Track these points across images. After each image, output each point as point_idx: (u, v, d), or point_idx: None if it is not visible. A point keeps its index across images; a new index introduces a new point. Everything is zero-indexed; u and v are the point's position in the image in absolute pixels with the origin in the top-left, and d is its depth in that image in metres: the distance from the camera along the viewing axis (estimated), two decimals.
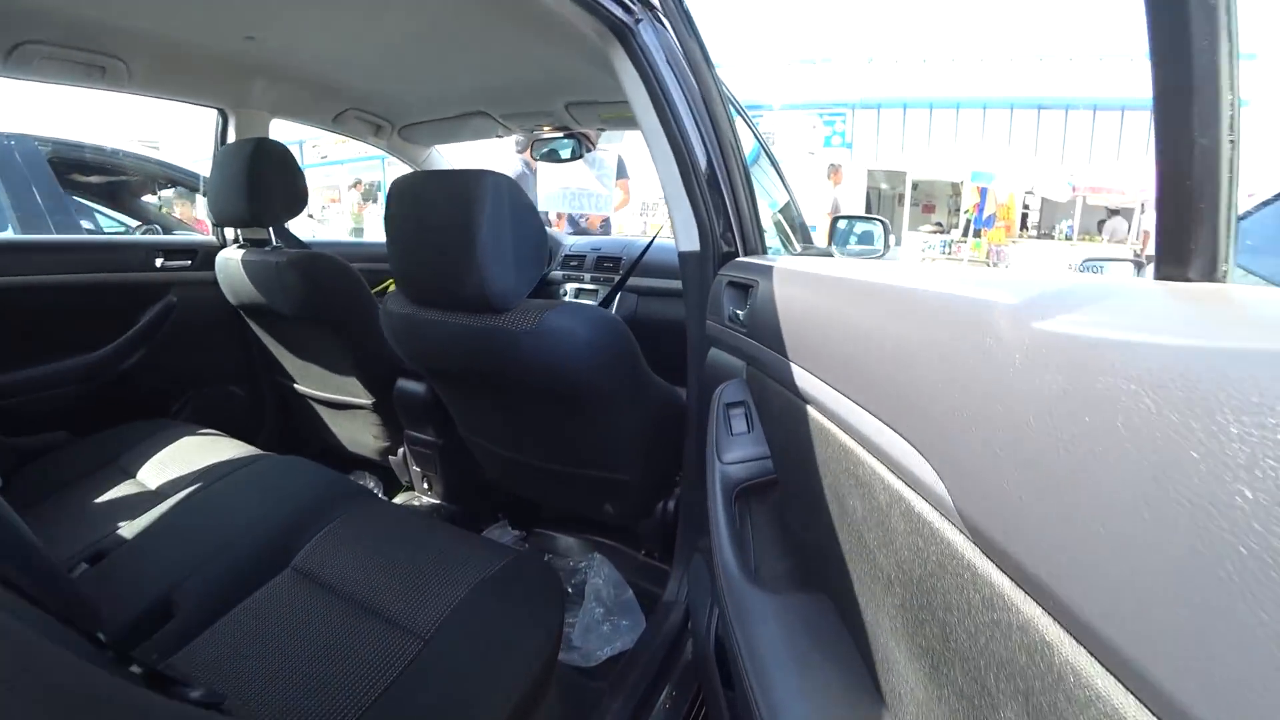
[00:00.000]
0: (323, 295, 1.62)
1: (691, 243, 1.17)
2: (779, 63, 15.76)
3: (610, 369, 1.16)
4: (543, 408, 1.28)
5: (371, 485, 2.13)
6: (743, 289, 1.00)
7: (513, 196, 1.08)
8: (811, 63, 15.79)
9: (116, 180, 3.71)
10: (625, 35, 1.12)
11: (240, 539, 1.25)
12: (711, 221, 1.14)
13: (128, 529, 1.31)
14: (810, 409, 0.67)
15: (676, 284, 2.07)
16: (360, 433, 1.97)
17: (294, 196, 1.70)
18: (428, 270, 1.15)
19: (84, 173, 3.56)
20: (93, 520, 1.38)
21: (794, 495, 0.79)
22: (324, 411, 2.02)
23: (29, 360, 1.79)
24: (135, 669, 0.81)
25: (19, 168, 3.01)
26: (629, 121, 2.15)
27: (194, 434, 1.73)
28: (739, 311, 0.99)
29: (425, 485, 1.88)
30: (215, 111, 2.06)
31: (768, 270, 0.86)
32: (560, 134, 2.31)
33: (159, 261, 1.99)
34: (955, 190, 13.35)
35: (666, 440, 1.41)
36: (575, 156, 2.36)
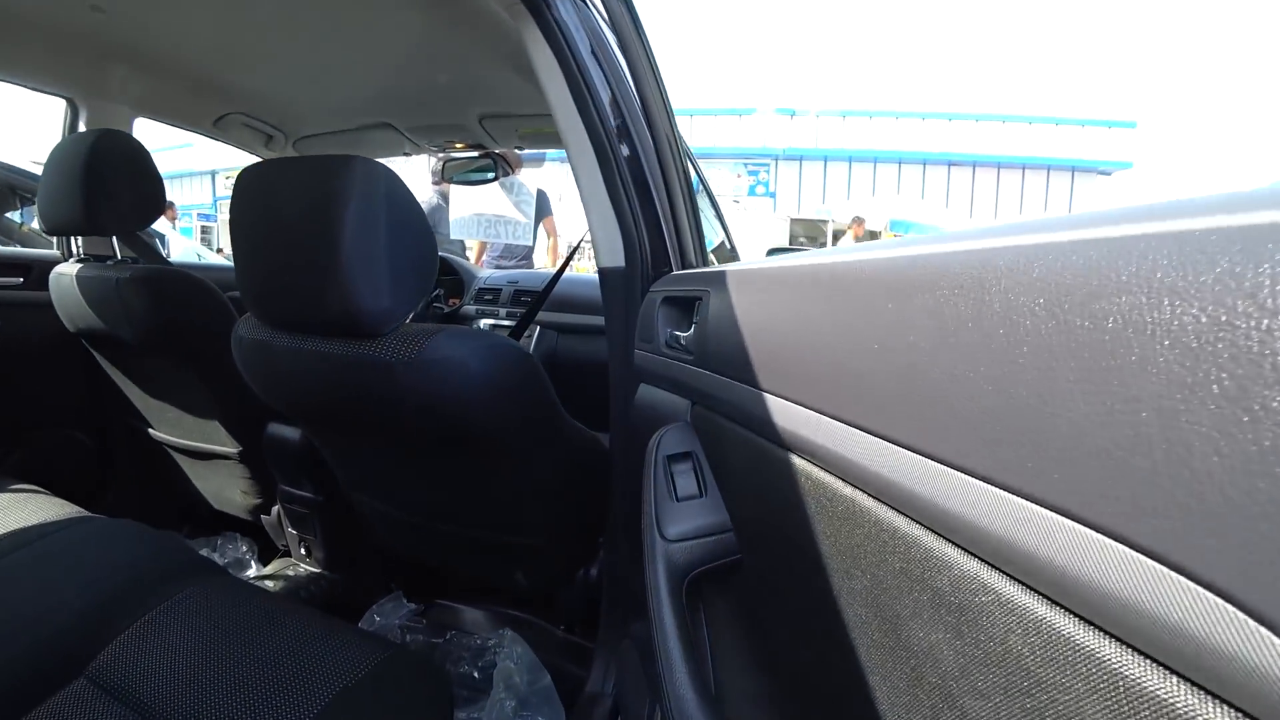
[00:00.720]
0: (172, 320, 1.33)
1: (615, 258, 0.97)
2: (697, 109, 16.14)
3: (511, 411, 0.93)
4: (430, 459, 1.03)
5: (244, 550, 1.80)
6: (685, 305, 0.80)
7: (391, 191, 0.86)
8: (735, 113, 16.23)
9: None
10: (538, 6, 0.93)
11: (20, 636, 0.94)
12: (640, 230, 0.94)
13: None
14: (799, 462, 0.46)
15: (602, 319, 1.88)
16: (227, 488, 1.65)
17: (145, 200, 1.41)
18: (281, 284, 0.90)
19: None
20: None
21: (773, 590, 0.57)
22: (184, 462, 1.69)
23: None
24: None
25: None
26: (551, 139, 1.96)
27: (5, 490, 1.39)
28: (680, 335, 0.78)
29: (303, 551, 1.57)
30: (64, 103, 1.74)
31: (720, 277, 0.65)
32: (475, 153, 2.10)
33: None
34: (874, 238, 13.82)
35: (586, 497, 1.18)
36: (491, 179, 2.14)
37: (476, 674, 1.41)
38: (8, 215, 3.51)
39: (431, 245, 0.93)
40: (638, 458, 0.90)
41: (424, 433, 0.92)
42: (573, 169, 0.99)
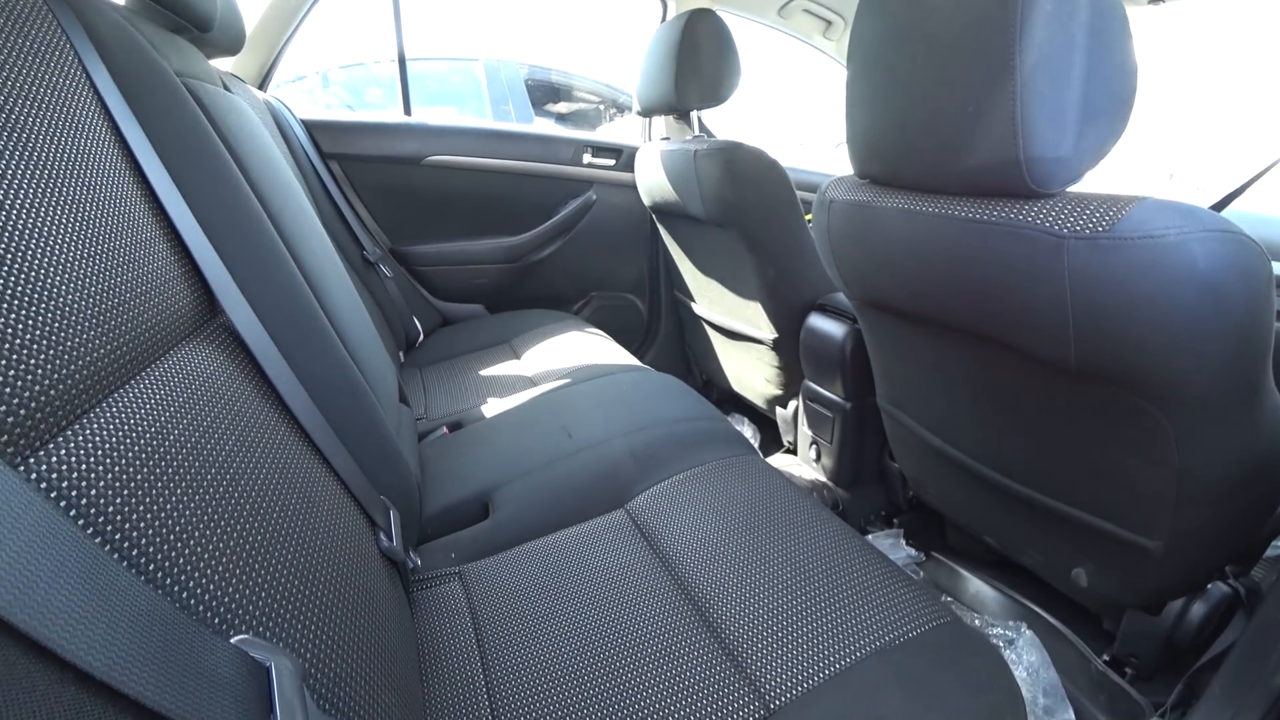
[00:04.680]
0: (740, 193, 1.31)
1: None
2: None
3: (1220, 345, 0.60)
4: (1040, 392, 0.75)
5: (749, 436, 1.83)
6: None
7: None
8: None
9: (579, 108, 4.01)
10: None
11: (582, 454, 1.04)
12: None
13: (491, 407, 1.27)
14: None
15: None
16: (750, 373, 1.66)
17: (721, 76, 1.43)
18: (910, 125, 0.70)
19: (553, 98, 3.92)
20: (469, 389, 1.40)
21: None
22: (717, 340, 1.77)
23: (463, 235, 1.89)
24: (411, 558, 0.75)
25: (501, 86, 3.38)
26: None
27: (583, 331, 1.66)
28: None
29: (814, 455, 1.48)
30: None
31: None
32: None
33: (586, 158, 1.92)
34: None
35: (1247, 504, 0.78)
36: None
37: None
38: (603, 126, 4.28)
39: (1135, 74, 0.62)
40: None
41: (1070, 350, 0.65)
42: None
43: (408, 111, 1.89)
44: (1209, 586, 0.89)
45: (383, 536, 0.67)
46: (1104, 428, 0.74)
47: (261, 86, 1.64)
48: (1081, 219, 0.59)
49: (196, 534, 0.38)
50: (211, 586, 0.37)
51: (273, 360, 0.59)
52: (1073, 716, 1.01)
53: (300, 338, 0.66)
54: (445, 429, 1.23)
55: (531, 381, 1.39)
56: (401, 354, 1.65)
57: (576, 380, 1.30)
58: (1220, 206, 0.81)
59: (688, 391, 1.24)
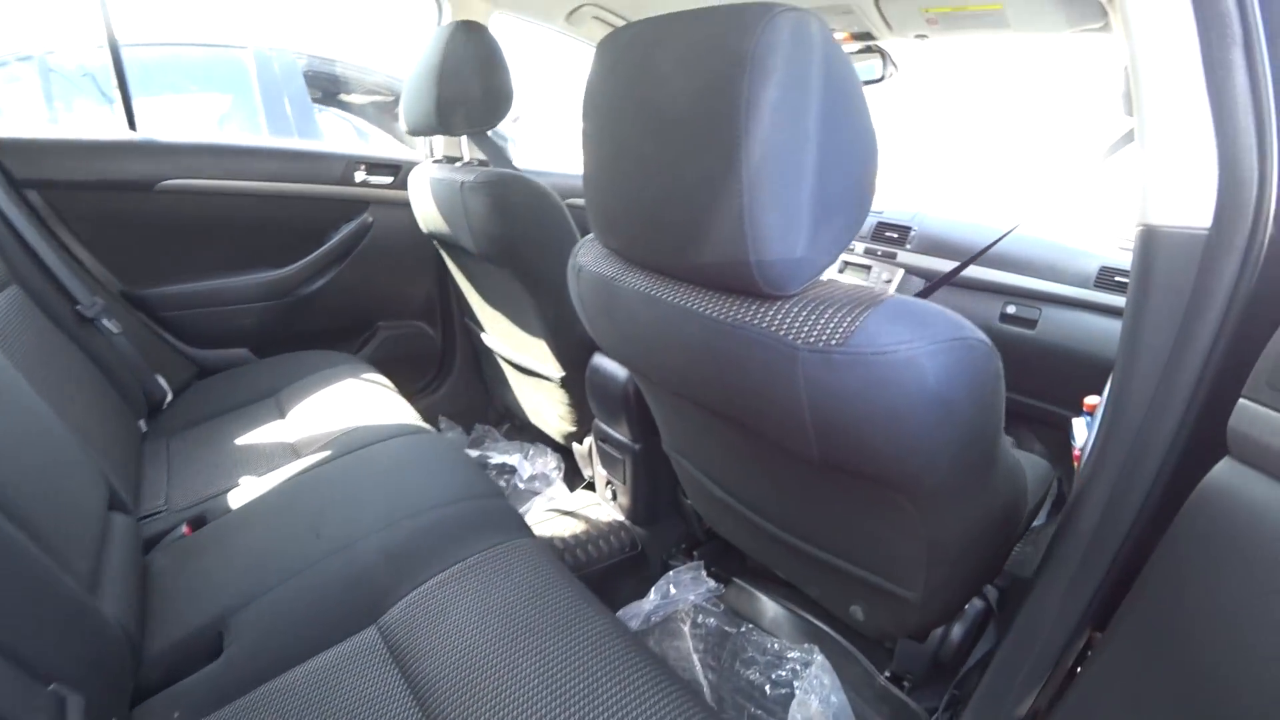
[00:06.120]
0: (510, 230, 1.22)
1: (1186, 211, 0.56)
2: None
3: (952, 446, 0.60)
4: (805, 472, 0.74)
5: (553, 467, 1.76)
6: None
7: (830, 63, 0.54)
8: None
9: (376, 100, 3.69)
10: None
11: (330, 560, 0.91)
12: (1267, 156, 0.52)
13: (241, 493, 1.10)
14: None
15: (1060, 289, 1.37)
16: (545, 408, 1.59)
17: (493, 97, 1.31)
18: (644, 204, 0.65)
19: (344, 89, 3.57)
20: (221, 465, 1.22)
21: None
22: (510, 373, 1.68)
23: (216, 270, 1.64)
24: None
25: (274, 77, 3.03)
26: (972, 19, 1.47)
27: (359, 378, 1.48)
28: None
29: (610, 494, 1.45)
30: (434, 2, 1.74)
31: None
32: (856, 46, 1.68)
33: (359, 176, 1.74)
34: None
35: (992, 552, 0.84)
36: (878, 81, 1.71)
37: (769, 688, 1.18)
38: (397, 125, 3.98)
39: (874, 158, 0.60)
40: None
41: (813, 448, 0.63)
42: (1130, 51, 0.59)
43: (132, 125, 1.58)
44: (967, 611, 0.96)
45: None
46: (856, 505, 0.75)
47: None
48: (815, 329, 0.55)
49: None
50: None
51: None
52: None
53: None
54: (186, 527, 1.05)
55: (294, 451, 1.23)
56: (143, 422, 1.39)
57: (339, 452, 1.15)
58: (926, 294, 0.85)
59: (460, 462, 1.14)
